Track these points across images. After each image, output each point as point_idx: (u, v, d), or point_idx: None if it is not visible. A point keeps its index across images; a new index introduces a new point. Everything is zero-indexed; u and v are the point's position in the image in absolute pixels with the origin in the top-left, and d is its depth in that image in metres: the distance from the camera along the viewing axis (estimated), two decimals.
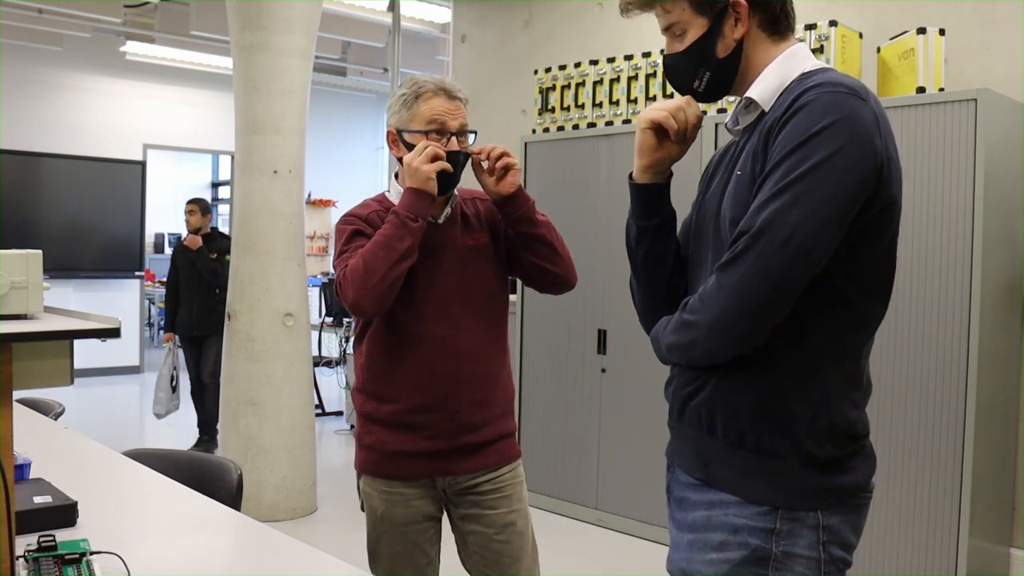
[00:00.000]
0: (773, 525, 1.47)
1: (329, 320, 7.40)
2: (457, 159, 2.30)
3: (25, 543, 1.51)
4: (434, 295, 2.27)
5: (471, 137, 2.40)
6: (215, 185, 15.13)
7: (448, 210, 2.35)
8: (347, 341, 7.22)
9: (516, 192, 2.31)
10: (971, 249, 3.46)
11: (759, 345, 1.46)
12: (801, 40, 1.66)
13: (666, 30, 1.62)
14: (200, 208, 6.73)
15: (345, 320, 7.12)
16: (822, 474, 1.49)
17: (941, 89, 3.71)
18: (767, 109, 1.53)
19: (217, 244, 6.67)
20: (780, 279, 1.39)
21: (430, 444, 2.27)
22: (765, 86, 1.55)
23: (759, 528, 1.48)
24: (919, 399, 3.59)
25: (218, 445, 5.80)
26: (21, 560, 1.47)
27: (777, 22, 1.58)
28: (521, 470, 2.47)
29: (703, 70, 1.60)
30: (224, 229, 7.37)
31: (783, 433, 1.48)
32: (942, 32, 3.74)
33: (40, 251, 1.26)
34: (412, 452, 2.27)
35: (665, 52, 1.66)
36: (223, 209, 14.36)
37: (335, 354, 7.87)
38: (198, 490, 2.09)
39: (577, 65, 5.02)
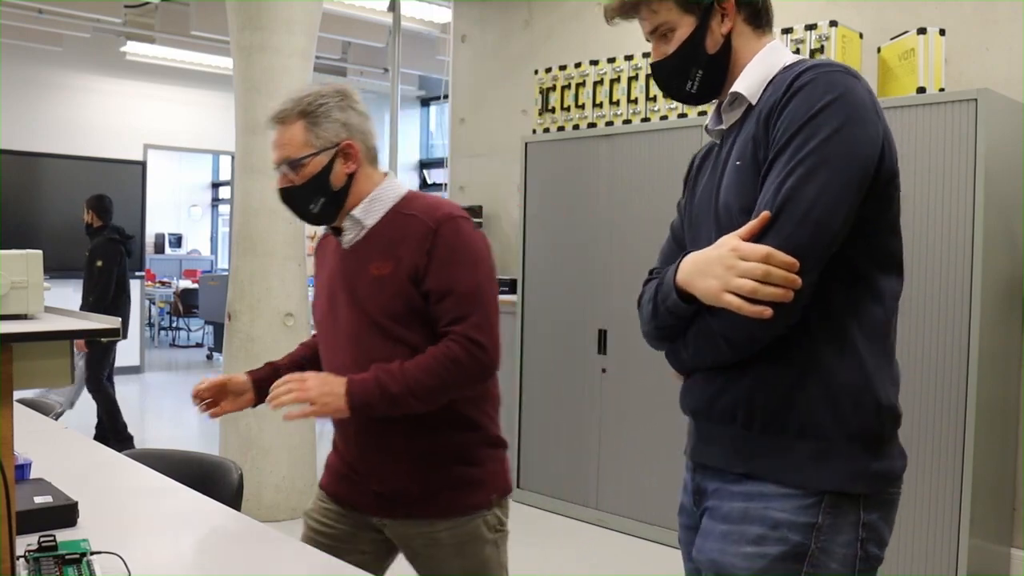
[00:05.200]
0: (815, 520, 1.46)
1: None
2: (290, 195, 2.05)
3: (25, 543, 1.51)
4: (329, 329, 2.12)
5: (315, 156, 2.01)
6: (215, 185, 15.14)
7: (357, 234, 2.06)
8: None
9: (349, 408, 1.92)
10: (971, 249, 3.46)
11: (792, 325, 1.44)
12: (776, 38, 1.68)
13: (652, 33, 1.62)
14: (88, 205, 6.41)
15: None
16: (869, 455, 1.48)
17: (941, 89, 3.71)
18: (754, 102, 1.54)
19: (96, 243, 6.30)
20: (804, 254, 1.37)
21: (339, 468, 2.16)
22: (751, 80, 1.56)
23: (800, 523, 1.46)
24: (919, 399, 3.59)
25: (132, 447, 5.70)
26: (21, 560, 1.47)
27: (760, 16, 1.61)
28: (466, 530, 2.04)
29: (695, 69, 1.60)
30: (225, 229, 7.28)
31: (829, 412, 1.47)
32: (942, 32, 3.74)
33: (40, 251, 1.26)
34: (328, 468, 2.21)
35: (652, 59, 1.66)
36: (223, 209, 14.37)
37: None
38: (198, 490, 2.09)
39: (577, 65, 5.02)
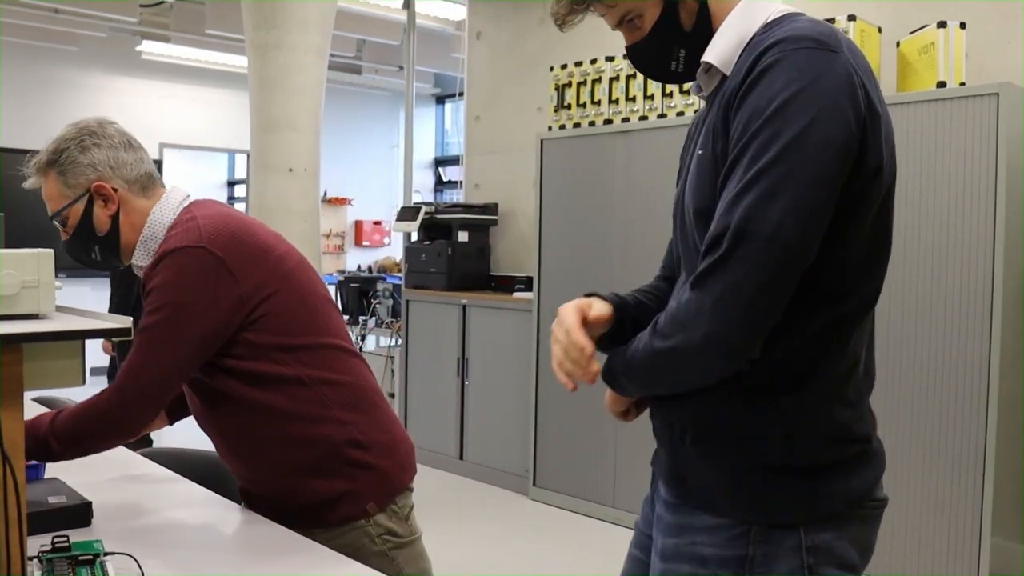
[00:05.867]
0: (744, 551, 1.30)
1: (345, 318, 7.40)
2: (71, 248, 1.99)
3: (39, 543, 1.50)
4: None
5: (83, 201, 1.93)
6: (231, 183, 15.18)
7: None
8: (363, 339, 7.22)
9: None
10: (993, 245, 3.42)
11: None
12: None
13: (619, 25, 1.45)
14: None
15: (361, 318, 7.12)
16: (806, 482, 1.31)
17: (962, 83, 3.66)
18: (728, 72, 1.34)
19: None
20: (771, 284, 1.20)
21: None
22: (723, 47, 1.36)
23: (729, 557, 1.31)
24: (941, 396, 3.55)
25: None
26: (35, 561, 1.46)
27: None
28: (346, 541, 1.88)
29: (676, 49, 1.41)
30: None
31: (758, 439, 1.31)
32: (963, 26, 3.69)
33: (51, 250, 1.25)
34: None
35: (626, 43, 1.48)
36: (239, 208, 14.41)
37: None
38: (213, 489, 2.08)
39: (593, 61, 4.99)
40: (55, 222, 1.96)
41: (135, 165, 1.96)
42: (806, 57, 1.23)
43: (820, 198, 1.20)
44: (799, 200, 1.19)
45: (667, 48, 1.42)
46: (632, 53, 1.48)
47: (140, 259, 1.94)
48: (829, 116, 1.20)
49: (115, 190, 1.92)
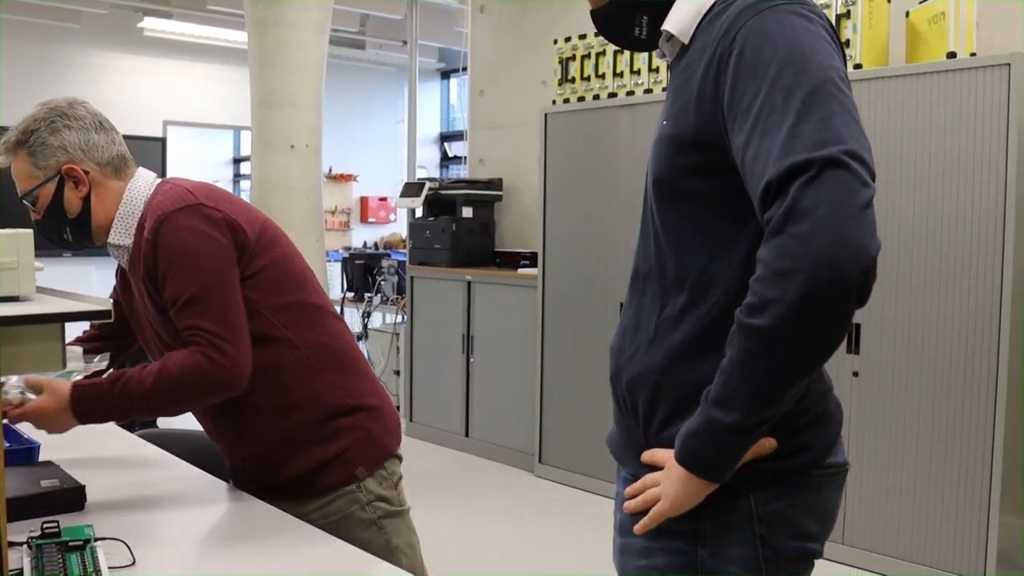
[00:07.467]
0: (696, 524, 1.27)
1: (350, 295, 7.38)
2: (41, 228, 1.93)
3: (29, 529, 1.48)
4: (148, 334, 2.03)
5: (53, 182, 1.92)
6: (237, 161, 15.14)
7: (125, 256, 1.97)
8: (368, 316, 7.20)
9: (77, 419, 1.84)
10: (1003, 219, 3.36)
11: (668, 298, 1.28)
12: None
13: None
14: None
15: (366, 295, 7.10)
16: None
17: (973, 54, 3.59)
18: (686, 41, 1.33)
19: None
20: (867, 199, 1.09)
21: None
22: (682, 15, 1.34)
23: (681, 530, 1.28)
24: (949, 372, 3.51)
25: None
26: (25, 547, 1.43)
27: None
28: (334, 509, 1.91)
29: (639, 15, 1.39)
30: None
31: (689, 409, 1.24)
32: None
33: (31, 230, 1.21)
34: None
35: (590, 7, 1.46)
36: (245, 185, 14.38)
37: (357, 328, 7.85)
38: (213, 470, 2.06)
39: (597, 34, 4.92)
40: (25, 202, 1.94)
41: (107, 147, 1.95)
42: (767, 19, 1.21)
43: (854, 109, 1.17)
44: (845, 109, 1.15)
45: (630, 14, 1.40)
46: (596, 18, 1.46)
47: (118, 237, 1.93)
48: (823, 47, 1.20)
49: (86, 172, 1.91)
